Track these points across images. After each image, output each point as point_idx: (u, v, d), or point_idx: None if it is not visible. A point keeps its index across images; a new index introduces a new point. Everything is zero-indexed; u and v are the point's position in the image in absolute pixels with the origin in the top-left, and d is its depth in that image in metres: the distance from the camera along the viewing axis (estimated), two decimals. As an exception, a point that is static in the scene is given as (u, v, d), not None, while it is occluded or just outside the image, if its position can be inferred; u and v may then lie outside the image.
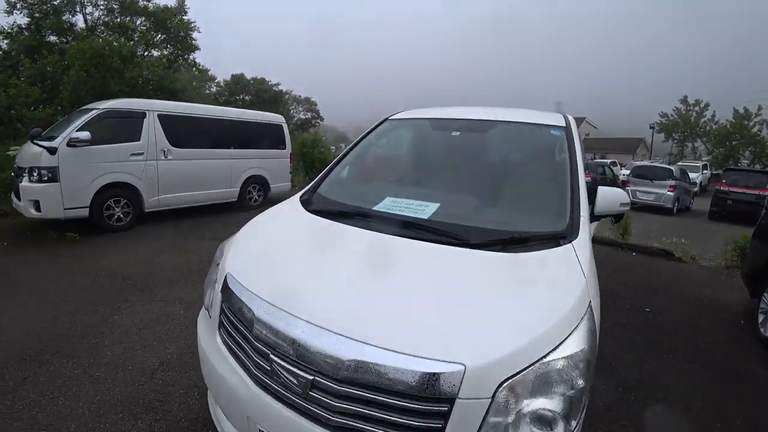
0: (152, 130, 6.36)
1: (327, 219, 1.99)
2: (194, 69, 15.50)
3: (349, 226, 1.86)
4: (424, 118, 2.93)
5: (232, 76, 34.18)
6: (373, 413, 1.16)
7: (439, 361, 1.12)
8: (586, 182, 2.24)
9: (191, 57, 14.84)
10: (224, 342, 1.58)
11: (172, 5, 13.84)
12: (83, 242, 5.55)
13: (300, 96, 42.49)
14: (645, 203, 13.05)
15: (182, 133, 6.80)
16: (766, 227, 3.95)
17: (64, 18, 13.06)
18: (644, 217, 11.84)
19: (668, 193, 12.70)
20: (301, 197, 2.40)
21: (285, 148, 8.92)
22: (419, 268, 1.53)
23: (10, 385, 2.49)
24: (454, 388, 1.09)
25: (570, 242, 1.62)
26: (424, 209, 1.92)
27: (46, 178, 5.38)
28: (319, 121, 42.84)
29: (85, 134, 5.50)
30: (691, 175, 19.61)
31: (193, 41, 14.38)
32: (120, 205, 6.14)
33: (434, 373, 1.10)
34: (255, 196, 8.49)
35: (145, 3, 13.42)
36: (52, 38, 13.07)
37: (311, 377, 1.22)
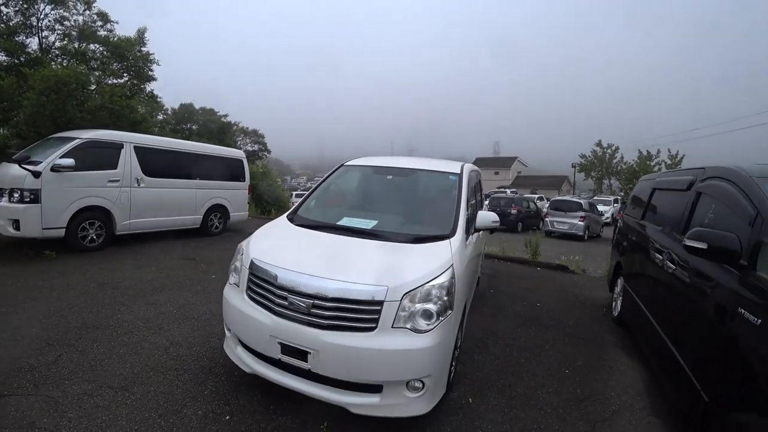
0: (128, 160, 7.02)
1: (307, 229, 3.14)
2: (151, 99, 15.85)
3: (322, 232, 3.05)
4: (369, 165, 4.22)
5: (181, 105, 34.06)
6: (345, 315, 2.28)
7: (376, 286, 2.29)
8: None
9: (149, 88, 15.25)
10: (250, 297, 2.59)
11: (132, 36, 14.33)
12: (60, 260, 6.01)
13: (248, 128, 42.84)
14: (561, 232, 15.18)
15: (154, 163, 7.50)
16: (616, 242, 5.50)
17: (17, 39, 13.10)
18: (560, 243, 13.82)
19: (579, 222, 14.93)
20: (287, 216, 3.50)
21: (244, 181, 9.80)
22: (365, 250, 2.73)
23: (49, 359, 3.17)
24: (383, 297, 2.26)
25: (449, 239, 2.87)
26: (368, 223, 3.13)
27: (28, 199, 5.87)
28: (266, 153, 43.26)
29: (69, 161, 6.09)
30: (604, 208, 22.64)
31: (151, 72, 14.88)
32: (94, 227, 6.67)
33: (374, 291, 2.27)
34: (216, 224, 9.19)
35: (106, 33, 13.84)
36: (2, 57, 13.03)
37: (312, 302, 2.30)
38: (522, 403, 2.98)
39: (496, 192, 28.46)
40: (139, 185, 7.21)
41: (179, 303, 4.55)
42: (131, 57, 14.27)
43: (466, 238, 3.17)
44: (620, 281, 4.94)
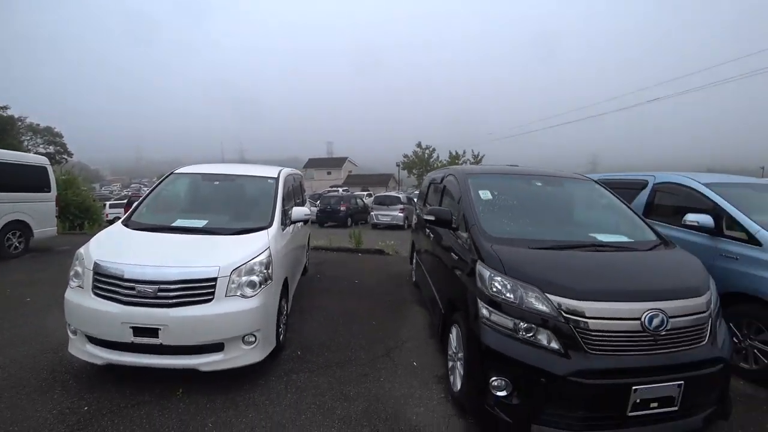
0: None
1: (144, 231, 3.62)
2: None
3: (160, 233, 3.57)
4: (197, 173, 4.78)
5: None
6: (187, 292, 2.92)
7: (210, 266, 3.02)
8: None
9: None
10: (97, 294, 2.98)
11: None
12: None
13: (38, 125, 34.87)
14: (385, 223, 17.52)
15: None
16: (414, 226, 7.19)
17: None
18: (384, 233, 15.97)
19: (399, 214, 17.51)
20: (122, 222, 3.86)
21: (50, 192, 8.64)
22: (199, 243, 3.42)
23: None
24: (216, 274, 3.00)
25: (267, 230, 3.74)
26: (200, 223, 3.79)
27: None
28: (65, 157, 35.94)
29: None
30: (421, 200, 26.50)
31: None
32: None
33: (209, 271, 2.99)
34: (15, 243, 7.95)
35: None
36: None
37: (157, 287, 2.88)
38: (340, 348, 4.07)
39: (328, 191, 30.17)
40: None
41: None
42: None
43: (283, 229, 4.10)
44: (415, 255, 6.56)
